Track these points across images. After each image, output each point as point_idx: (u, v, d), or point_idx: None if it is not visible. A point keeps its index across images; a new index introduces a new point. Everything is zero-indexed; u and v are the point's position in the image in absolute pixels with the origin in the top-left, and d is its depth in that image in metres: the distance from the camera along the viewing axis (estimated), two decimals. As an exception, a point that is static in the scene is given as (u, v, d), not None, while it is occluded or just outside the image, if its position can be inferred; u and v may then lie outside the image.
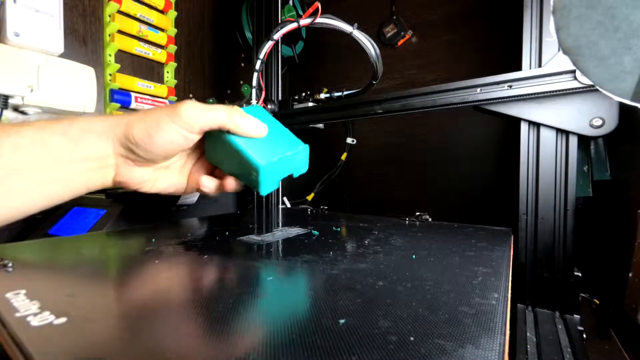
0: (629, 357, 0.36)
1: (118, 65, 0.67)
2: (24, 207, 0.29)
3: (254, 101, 0.62)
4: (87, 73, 0.59)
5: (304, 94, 0.70)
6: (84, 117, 0.31)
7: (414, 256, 0.28)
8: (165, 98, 0.76)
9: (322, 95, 0.68)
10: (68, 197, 0.31)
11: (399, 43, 0.79)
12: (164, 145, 0.31)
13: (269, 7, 0.69)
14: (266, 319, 0.17)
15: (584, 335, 0.36)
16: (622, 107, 0.38)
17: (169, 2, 0.75)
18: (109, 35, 0.66)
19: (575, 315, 0.40)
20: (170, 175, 0.36)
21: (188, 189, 0.37)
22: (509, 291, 0.22)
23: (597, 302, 0.43)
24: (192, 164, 0.37)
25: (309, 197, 0.86)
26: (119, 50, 0.68)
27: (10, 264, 0.23)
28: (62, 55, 0.56)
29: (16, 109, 0.54)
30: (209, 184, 0.35)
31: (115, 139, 0.31)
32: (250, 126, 0.32)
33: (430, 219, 0.48)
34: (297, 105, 0.67)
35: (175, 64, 0.79)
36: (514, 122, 0.44)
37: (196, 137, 0.32)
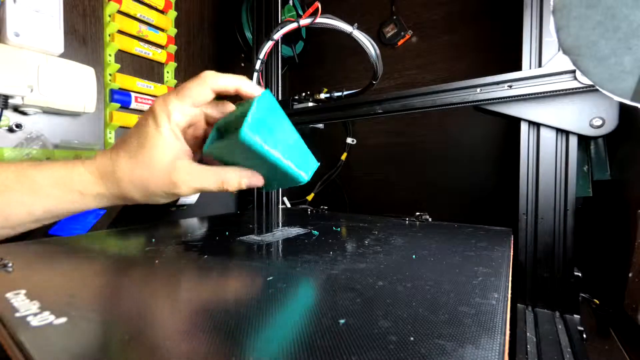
0: (629, 357, 0.36)
1: (118, 65, 0.67)
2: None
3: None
4: (87, 73, 0.59)
5: (304, 94, 0.70)
6: (77, 169, 0.30)
7: (414, 256, 0.28)
8: (165, 98, 0.75)
9: (322, 95, 0.68)
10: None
11: (399, 43, 0.79)
12: (163, 201, 0.31)
13: (269, 7, 0.69)
14: (266, 319, 0.17)
15: (584, 335, 0.36)
16: (622, 107, 0.38)
17: (169, 2, 0.75)
18: (109, 35, 0.66)
19: (575, 315, 0.40)
20: None
21: None
22: (509, 291, 0.22)
23: (597, 302, 0.43)
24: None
25: (309, 197, 0.86)
26: (119, 50, 0.68)
27: (10, 264, 0.23)
28: (62, 55, 0.56)
29: (16, 109, 0.54)
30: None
31: (115, 196, 0.31)
32: (242, 184, 0.31)
33: (430, 219, 0.48)
34: (297, 105, 0.67)
35: (175, 64, 0.79)
36: (514, 122, 0.44)
37: None
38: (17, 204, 0.28)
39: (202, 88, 0.29)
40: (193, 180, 0.30)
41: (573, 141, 0.40)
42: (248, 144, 0.26)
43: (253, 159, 0.28)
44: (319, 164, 0.32)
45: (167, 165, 0.29)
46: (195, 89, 0.29)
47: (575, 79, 0.38)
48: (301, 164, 0.29)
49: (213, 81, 0.30)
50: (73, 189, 0.29)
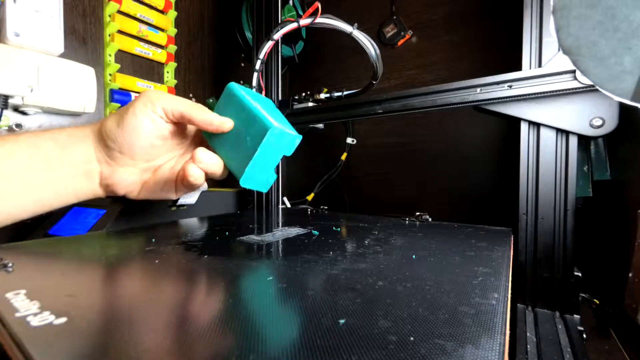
0: (629, 357, 0.36)
1: (118, 65, 0.67)
2: (13, 212, 0.30)
3: None
4: (87, 73, 0.59)
5: (304, 94, 0.69)
6: (75, 126, 0.33)
7: (414, 256, 0.28)
8: (165, 98, 0.75)
9: (322, 95, 0.68)
10: (57, 205, 0.32)
11: (399, 43, 0.79)
12: (133, 132, 0.31)
13: (269, 7, 0.69)
14: (266, 319, 0.17)
15: (584, 335, 0.36)
16: (622, 107, 0.38)
17: (169, 2, 0.75)
18: (109, 35, 0.66)
19: (575, 315, 0.40)
20: (158, 180, 0.35)
21: (178, 192, 0.36)
22: (509, 291, 0.22)
23: (597, 302, 0.43)
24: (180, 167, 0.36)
25: (309, 197, 0.86)
26: (119, 50, 0.68)
27: (10, 264, 0.23)
28: (62, 55, 0.56)
29: (16, 109, 0.54)
30: (195, 172, 0.32)
31: (95, 139, 0.32)
32: (210, 120, 0.33)
33: (430, 219, 0.48)
34: (297, 105, 0.67)
35: (175, 64, 0.79)
36: (514, 122, 0.44)
37: (163, 124, 0.32)
38: None
39: (188, 103, 0.34)
40: (168, 97, 0.32)
41: (573, 141, 0.40)
42: (230, 89, 0.34)
43: (233, 114, 0.34)
44: (301, 136, 0.35)
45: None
46: (184, 100, 0.34)
47: (575, 79, 0.38)
48: (275, 118, 0.33)
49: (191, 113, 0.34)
50: (62, 131, 0.31)
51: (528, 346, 0.33)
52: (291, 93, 0.77)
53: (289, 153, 0.34)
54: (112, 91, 0.66)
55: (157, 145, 0.33)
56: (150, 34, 0.72)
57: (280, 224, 0.45)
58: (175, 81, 0.79)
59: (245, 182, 0.33)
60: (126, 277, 0.24)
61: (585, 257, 0.47)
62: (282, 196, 0.72)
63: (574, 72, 0.38)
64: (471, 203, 0.70)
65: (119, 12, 0.67)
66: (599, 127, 0.38)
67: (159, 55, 0.75)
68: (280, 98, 0.70)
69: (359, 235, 0.37)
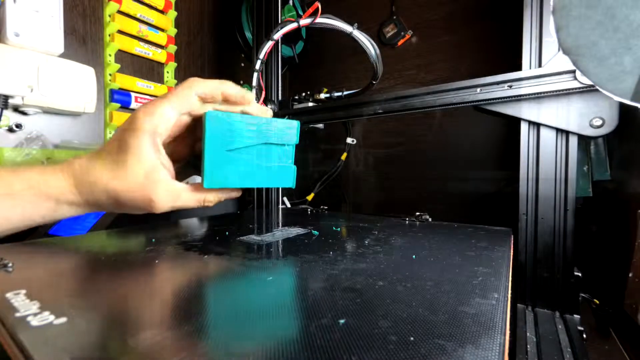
0: (629, 357, 0.36)
1: (118, 65, 0.67)
2: None
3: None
4: (87, 73, 0.59)
5: (304, 94, 0.70)
6: (55, 175, 0.29)
7: (414, 256, 0.28)
8: (165, 98, 0.75)
9: (322, 95, 0.68)
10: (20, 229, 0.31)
11: (399, 43, 0.79)
12: (136, 212, 0.30)
13: (269, 7, 0.69)
14: (266, 319, 0.17)
15: (584, 335, 0.36)
16: (622, 107, 0.38)
17: (169, 2, 0.75)
18: (109, 35, 0.66)
19: (575, 315, 0.40)
20: None
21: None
22: (509, 291, 0.22)
23: (597, 302, 0.43)
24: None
25: (309, 197, 0.86)
26: (119, 50, 0.68)
27: (10, 264, 0.23)
28: (62, 55, 0.56)
29: (16, 109, 0.54)
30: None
31: (89, 204, 0.30)
32: (222, 199, 0.33)
33: (430, 219, 0.48)
34: (297, 105, 0.67)
35: (175, 64, 0.79)
36: (514, 122, 0.44)
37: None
38: None
39: (186, 94, 0.29)
40: (173, 200, 0.30)
41: (573, 141, 0.40)
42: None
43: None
44: (298, 122, 0.33)
45: (144, 180, 0.28)
46: (180, 95, 0.29)
47: (575, 79, 0.38)
48: (276, 177, 0.33)
49: (198, 87, 0.29)
50: (50, 196, 0.28)
51: (528, 346, 0.33)
52: (291, 93, 0.77)
53: (297, 141, 0.34)
54: (112, 91, 0.66)
55: None
56: (150, 34, 0.72)
57: (280, 224, 0.45)
58: (175, 81, 0.79)
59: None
60: (126, 278, 0.24)
61: (585, 257, 0.47)
62: (282, 196, 0.72)
63: (574, 72, 0.38)
64: (471, 203, 0.70)
65: (119, 12, 0.67)
66: (599, 127, 0.38)
67: (159, 55, 0.75)
68: (280, 98, 0.70)
69: (359, 235, 0.37)
